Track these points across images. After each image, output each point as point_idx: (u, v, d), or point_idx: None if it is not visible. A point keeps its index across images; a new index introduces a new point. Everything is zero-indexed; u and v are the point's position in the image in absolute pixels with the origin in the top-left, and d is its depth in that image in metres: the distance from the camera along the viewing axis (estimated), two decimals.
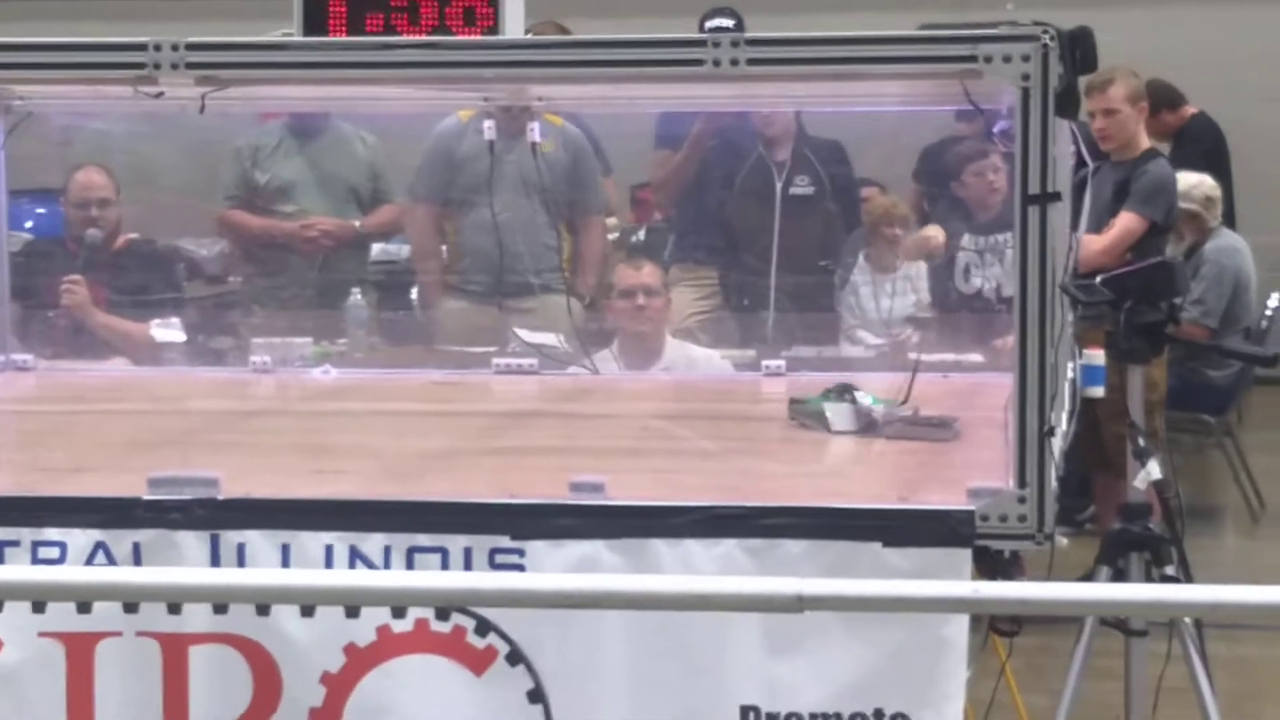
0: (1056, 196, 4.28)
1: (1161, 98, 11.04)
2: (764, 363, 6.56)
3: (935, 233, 8.33)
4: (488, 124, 7.00)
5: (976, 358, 6.53)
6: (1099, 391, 5.16)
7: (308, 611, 4.31)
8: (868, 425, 5.19)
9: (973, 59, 4.23)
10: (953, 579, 4.19)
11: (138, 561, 4.36)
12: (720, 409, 6.10)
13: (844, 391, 5.30)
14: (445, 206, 7.72)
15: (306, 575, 3.98)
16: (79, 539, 4.39)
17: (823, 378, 5.94)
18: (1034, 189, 4.22)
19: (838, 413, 5.23)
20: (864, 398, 5.26)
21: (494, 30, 4.88)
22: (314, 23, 4.86)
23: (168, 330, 7.17)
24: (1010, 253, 4.34)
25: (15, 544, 4.40)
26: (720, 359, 7.05)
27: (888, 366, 6.88)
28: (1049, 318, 4.25)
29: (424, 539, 4.35)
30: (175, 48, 4.51)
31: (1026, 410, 4.26)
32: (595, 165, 7.87)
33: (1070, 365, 5.18)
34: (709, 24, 8.21)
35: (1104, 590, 4.32)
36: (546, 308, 7.22)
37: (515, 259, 7.43)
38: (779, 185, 7.94)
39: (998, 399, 4.49)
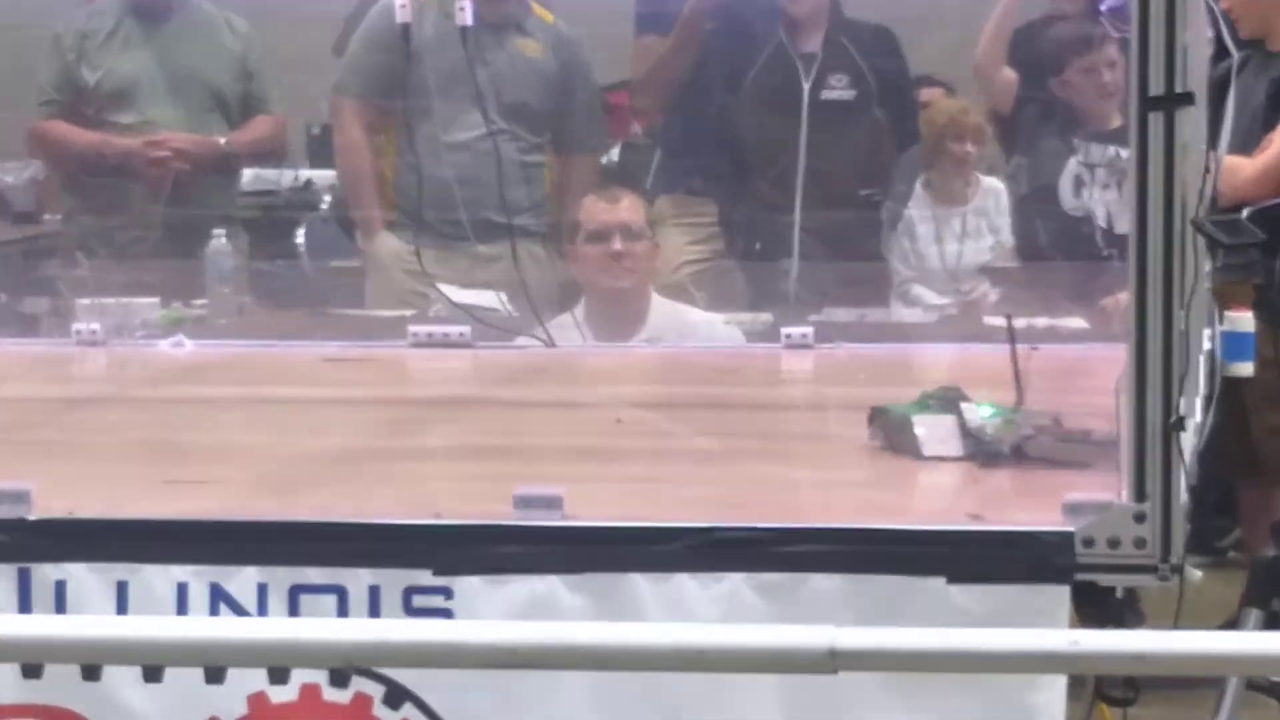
0: (1188, 99, 4.28)
1: None
2: (784, 330, 6.58)
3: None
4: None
5: (1078, 323, 6.54)
6: (1247, 369, 5.17)
7: (152, 675, 4.30)
8: (977, 446, 4.87)
9: None
10: (1044, 627, 4.20)
11: None
12: (724, 394, 6.12)
13: (947, 397, 5.03)
14: (381, 114, 7.72)
15: (151, 625, 3.97)
16: None
17: (865, 350, 5.94)
18: (1156, 89, 4.23)
19: (932, 429, 4.92)
20: (974, 409, 4.93)
21: None
22: None
23: None
24: (1126, 177, 4.35)
25: None
26: (724, 325, 7.07)
27: (955, 336, 6.88)
28: (1177, 267, 4.26)
29: (314, 574, 4.36)
30: None
31: (1146, 395, 4.26)
32: (593, 85, 7.94)
33: (1207, 333, 5.19)
34: None
35: (1253, 642, 4.32)
36: (510, 257, 7.19)
37: (474, 191, 7.43)
38: (806, 86, 7.94)
39: (1106, 380, 4.51)
